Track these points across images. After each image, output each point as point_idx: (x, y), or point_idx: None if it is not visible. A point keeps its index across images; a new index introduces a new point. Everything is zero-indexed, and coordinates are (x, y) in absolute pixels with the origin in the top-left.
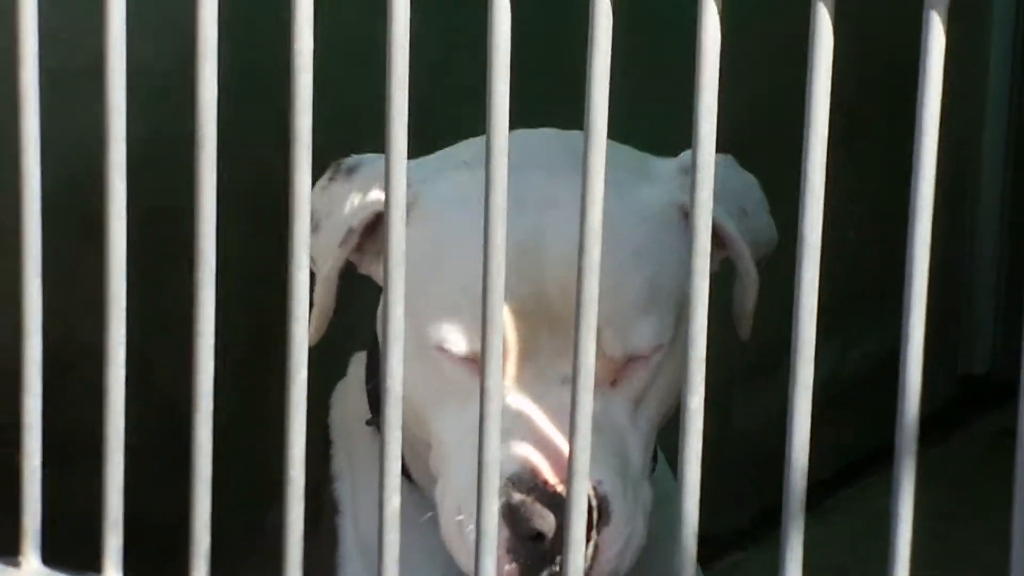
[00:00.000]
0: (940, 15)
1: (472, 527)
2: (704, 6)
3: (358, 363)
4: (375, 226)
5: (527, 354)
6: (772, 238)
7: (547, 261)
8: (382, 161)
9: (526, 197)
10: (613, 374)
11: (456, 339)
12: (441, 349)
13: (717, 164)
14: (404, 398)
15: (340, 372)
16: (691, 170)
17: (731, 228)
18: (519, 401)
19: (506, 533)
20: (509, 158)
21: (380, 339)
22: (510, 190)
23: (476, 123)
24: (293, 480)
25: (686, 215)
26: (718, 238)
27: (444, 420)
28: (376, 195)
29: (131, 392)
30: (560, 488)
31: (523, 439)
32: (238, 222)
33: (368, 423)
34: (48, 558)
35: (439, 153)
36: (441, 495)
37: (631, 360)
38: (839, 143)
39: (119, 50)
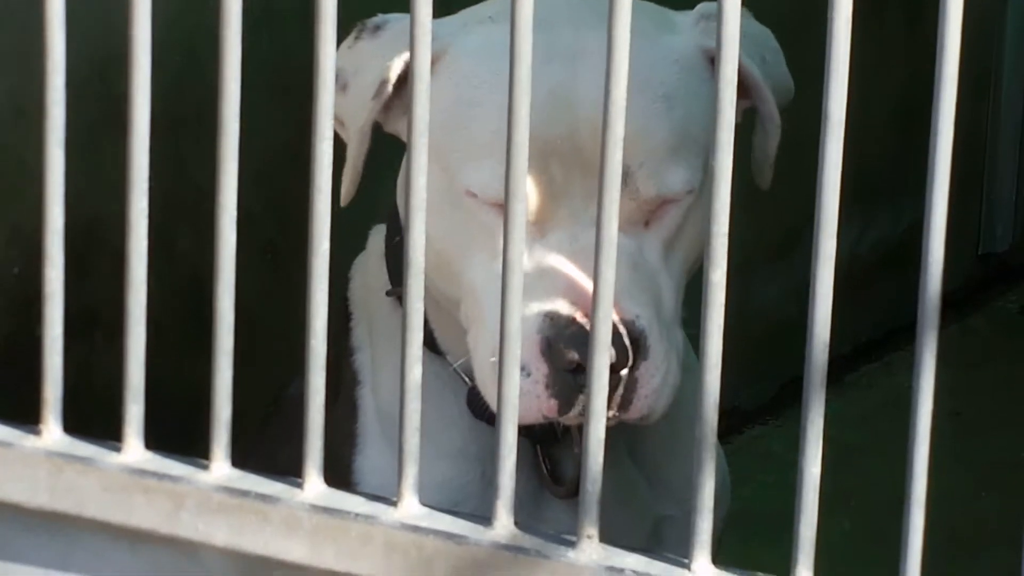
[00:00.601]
0: None
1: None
2: None
3: (377, 235)
4: (403, 82)
5: (561, 197)
6: (789, 88)
7: (579, 106)
8: (403, 21)
9: (555, 50)
10: (647, 215)
11: (487, 182)
12: (471, 194)
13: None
14: (433, 251)
15: (359, 246)
16: (717, 19)
17: (755, 73)
18: (554, 241)
19: (545, 369)
20: (535, 14)
21: (401, 208)
22: (539, 44)
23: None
24: (315, 350)
25: (711, 60)
26: (741, 86)
27: (475, 268)
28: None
29: (154, 266)
30: None
31: (559, 277)
32: (261, 95)
33: (388, 294)
34: (70, 428)
35: (462, 12)
36: (475, 342)
37: (664, 202)
38: (860, 26)
39: None
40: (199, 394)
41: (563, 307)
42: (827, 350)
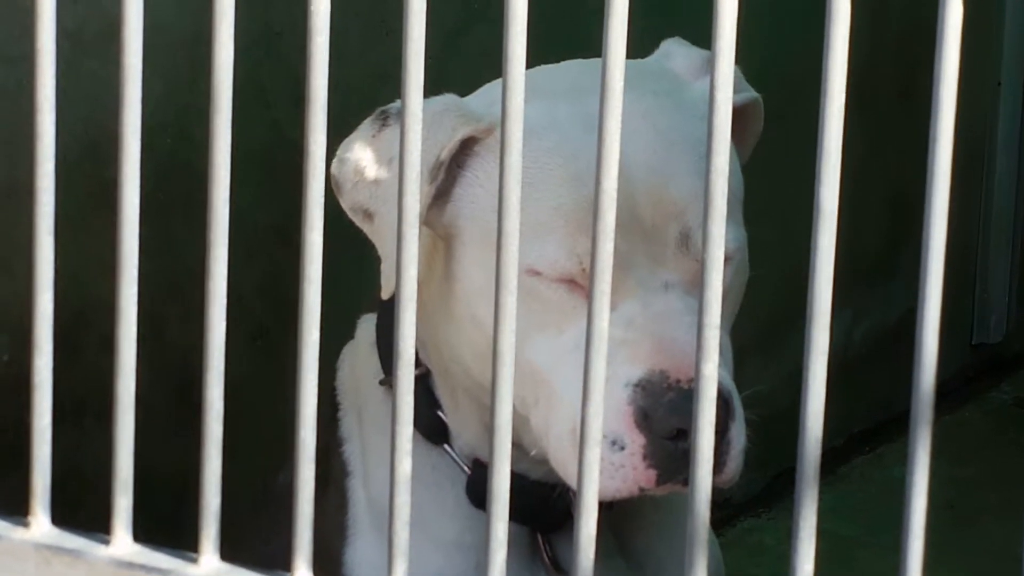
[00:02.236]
0: None
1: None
2: None
3: (367, 324)
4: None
5: (626, 265)
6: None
7: (633, 173)
8: (433, 102)
9: (591, 119)
10: None
11: (554, 259)
12: (534, 272)
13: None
14: (484, 335)
15: (345, 335)
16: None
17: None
18: (627, 311)
19: (642, 440)
20: (568, 86)
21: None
22: (574, 114)
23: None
24: (304, 441)
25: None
26: (743, 133)
27: (539, 345)
28: (459, 127)
29: (143, 349)
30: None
31: (641, 346)
32: (252, 183)
33: (381, 383)
34: (58, 512)
35: (485, 89)
36: (545, 421)
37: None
38: (851, 112)
39: (136, 11)
40: (188, 476)
41: (654, 375)
42: (819, 445)
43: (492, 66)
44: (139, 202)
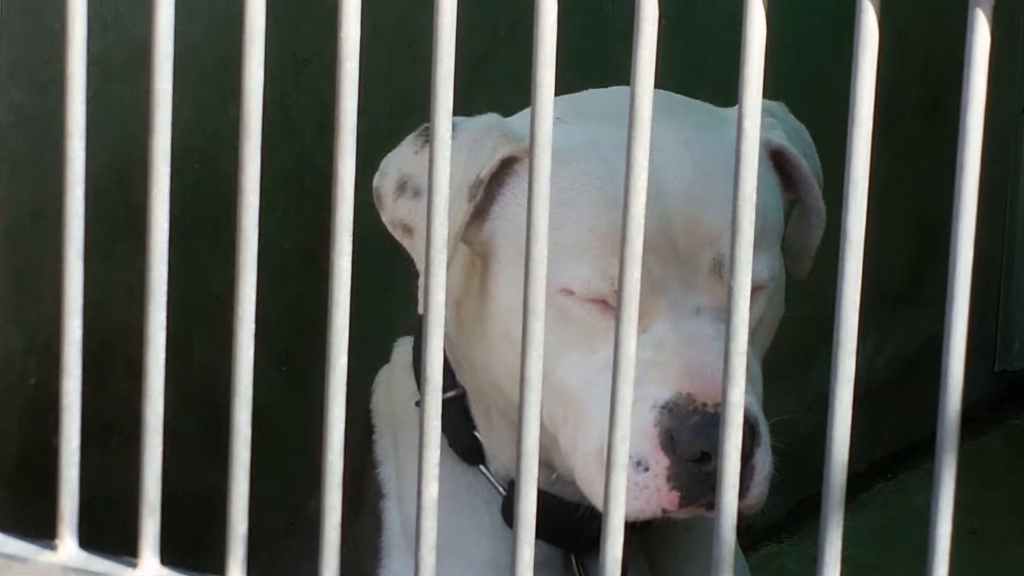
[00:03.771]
0: (986, 13)
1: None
2: (750, 8)
3: (403, 347)
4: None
5: (659, 288)
6: (821, 181)
7: (669, 199)
8: (477, 121)
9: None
10: None
11: (588, 279)
12: (567, 292)
13: (777, 109)
14: (516, 355)
15: (379, 359)
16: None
17: (804, 166)
18: (658, 333)
19: (666, 461)
20: (611, 111)
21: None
22: (611, 139)
23: (517, 112)
24: (332, 465)
25: (772, 153)
26: (789, 179)
27: (570, 366)
28: (500, 147)
29: (171, 376)
30: (720, 409)
31: (670, 368)
32: (278, 208)
33: (418, 404)
34: (85, 535)
35: (523, 113)
36: (573, 442)
37: (755, 290)
38: (876, 136)
39: (167, 37)
40: (215, 500)
41: (681, 398)
42: (845, 471)
43: (519, 90)
44: (168, 230)
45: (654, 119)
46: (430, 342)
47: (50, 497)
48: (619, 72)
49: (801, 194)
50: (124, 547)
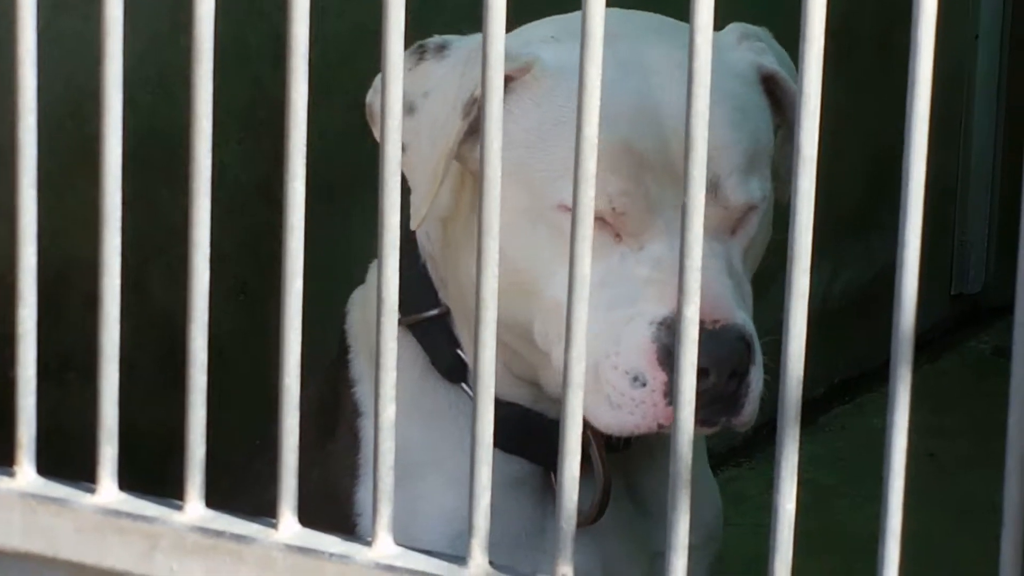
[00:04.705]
0: None
1: (607, 379)
2: None
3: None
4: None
5: (656, 207)
6: None
7: (667, 118)
8: (470, 39)
9: (626, 64)
10: (734, 224)
11: None
12: (564, 208)
13: (763, 35)
14: (510, 271)
15: (339, 289)
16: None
17: (794, 90)
18: (655, 252)
19: (663, 377)
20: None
21: (422, 239)
22: (607, 58)
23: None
24: (288, 389)
25: (763, 77)
26: (779, 103)
27: (562, 281)
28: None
29: (127, 307)
30: (718, 326)
31: (667, 286)
32: (233, 140)
33: (398, 323)
34: (44, 471)
35: (520, 31)
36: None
37: (748, 210)
38: (830, 65)
39: None
40: (173, 435)
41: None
42: (800, 386)
43: (473, 19)
44: (121, 158)
45: (637, 39)
46: (386, 263)
47: (8, 428)
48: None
49: (789, 118)
50: (84, 479)
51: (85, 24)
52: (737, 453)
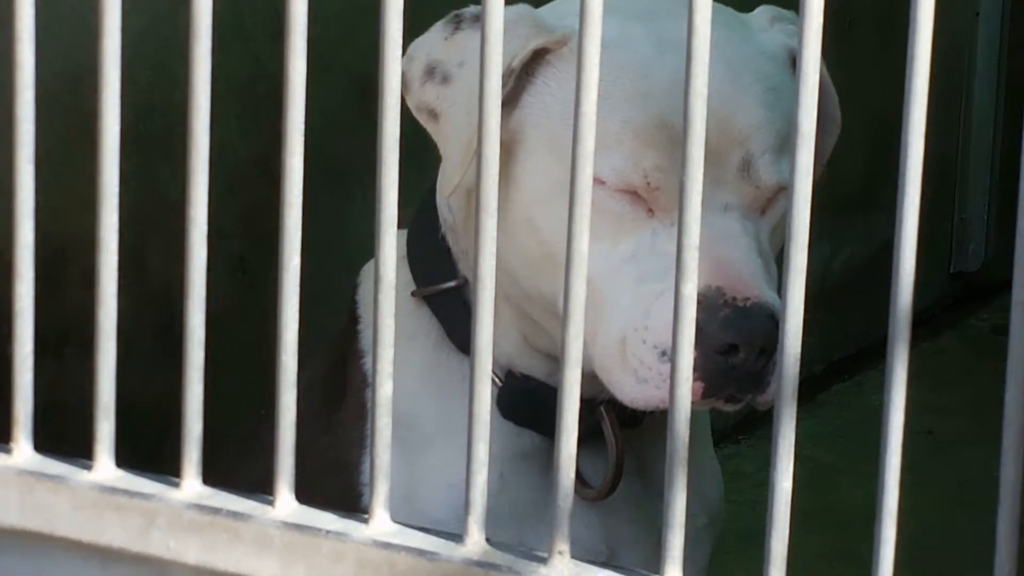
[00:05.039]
0: None
1: (635, 353)
2: None
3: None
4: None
5: None
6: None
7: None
8: (507, 10)
9: (664, 41)
10: (764, 204)
11: (620, 169)
12: (599, 182)
13: (794, 17)
14: (537, 242)
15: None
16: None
17: (825, 73)
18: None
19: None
20: (643, 8)
21: (442, 206)
22: (647, 34)
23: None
24: (286, 366)
25: (795, 60)
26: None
27: (595, 256)
28: (532, 38)
29: (125, 283)
30: (749, 303)
31: (700, 262)
32: (232, 116)
33: (413, 294)
34: (41, 446)
35: (553, 5)
36: (593, 332)
37: (779, 191)
38: (830, 43)
39: None
40: (171, 411)
41: (708, 291)
42: (798, 364)
43: None
44: (119, 134)
45: (681, 17)
46: (384, 241)
47: (5, 405)
48: None
49: (819, 101)
50: (81, 455)
51: (82, 1)
52: (736, 431)
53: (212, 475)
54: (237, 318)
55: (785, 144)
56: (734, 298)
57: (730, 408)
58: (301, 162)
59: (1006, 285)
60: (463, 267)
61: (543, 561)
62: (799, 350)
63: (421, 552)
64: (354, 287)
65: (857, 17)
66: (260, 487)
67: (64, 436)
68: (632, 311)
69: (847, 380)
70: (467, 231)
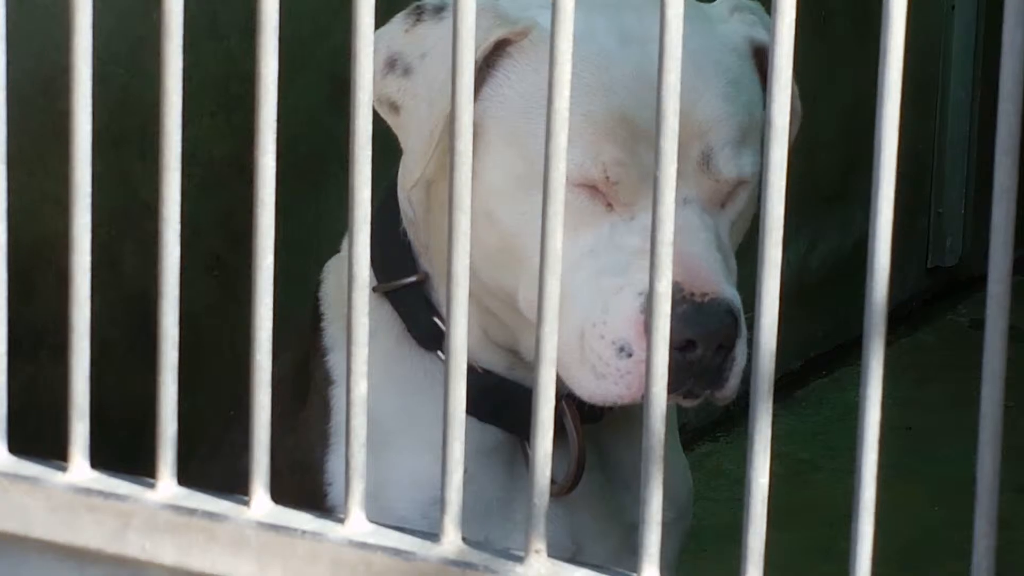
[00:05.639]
0: None
1: (592, 348)
2: None
3: None
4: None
5: (649, 179)
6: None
7: None
8: (469, 2)
9: (626, 34)
10: (724, 197)
11: (580, 163)
12: None
13: (756, 7)
14: (497, 236)
15: (310, 263)
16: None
17: None
18: (646, 221)
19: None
20: (596, 2)
21: (404, 203)
22: (609, 27)
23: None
24: (259, 364)
25: (756, 51)
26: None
27: None
28: (495, 29)
29: (100, 284)
30: (707, 299)
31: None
32: (206, 115)
33: (374, 290)
34: (16, 449)
35: (504, 0)
36: None
37: (739, 184)
38: (805, 38)
39: None
40: (146, 412)
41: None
42: (774, 359)
43: None
44: (92, 133)
45: (643, 11)
46: (356, 239)
47: None
48: None
49: None
50: (56, 457)
51: (54, 1)
52: (714, 428)
53: (184, 476)
54: (213, 316)
55: (745, 137)
56: (692, 293)
57: (688, 404)
58: (274, 160)
59: (984, 279)
60: (424, 262)
61: (519, 560)
62: (774, 346)
63: (397, 552)
64: (317, 284)
65: (831, 10)
66: (229, 488)
67: (39, 438)
68: (591, 306)
69: (825, 376)
70: (428, 224)
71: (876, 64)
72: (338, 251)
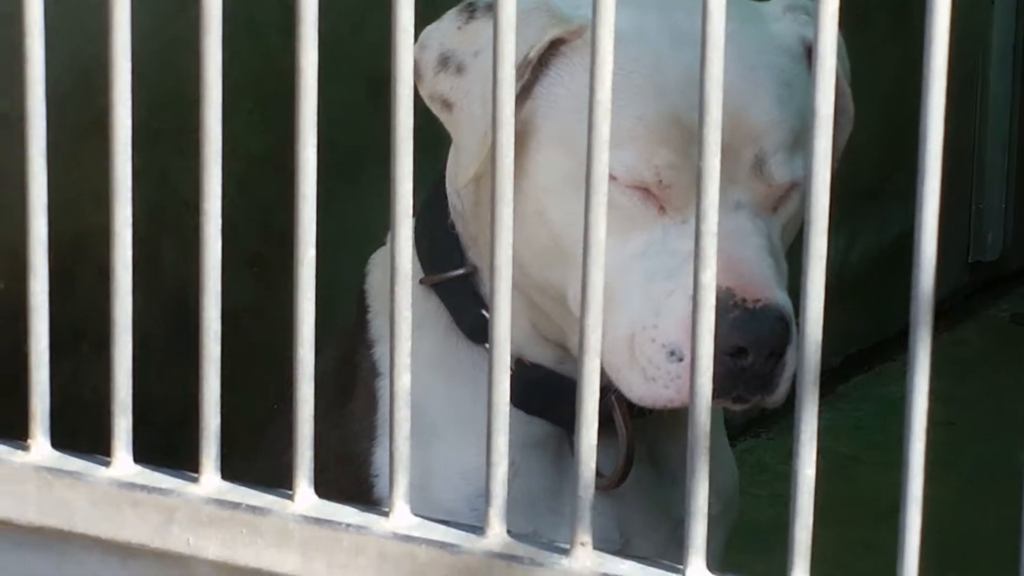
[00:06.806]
0: None
1: (643, 351)
2: None
3: None
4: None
5: None
6: (850, 81)
7: None
8: (524, 1)
9: (678, 34)
10: (776, 201)
11: (632, 165)
12: (610, 177)
13: (810, 7)
14: (548, 235)
15: (352, 260)
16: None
17: (839, 69)
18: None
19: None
20: (648, 1)
21: (452, 196)
22: (661, 27)
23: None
24: (302, 359)
25: (809, 51)
26: None
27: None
28: (549, 28)
29: (140, 279)
30: (759, 305)
31: None
32: (243, 112)
33: (422, 282)
34: (58, 442)
35: None
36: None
37: (791, 187)
38: (845, 31)
39: None
40: (187, 407)
41: (719, 292)
42: (819, 349)
43: None
44: (131, 128)
45: (694, 9)
46: (399, 232)
47: (22, 404)
48: None
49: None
50: (98, 452)
51: None
52: (756, 424)
53: (226, 471)
54: (252, 313)
55: (798, 141)
56: (744, 299)
57: (738, 408)
58: (315, 154)
59: None
60: (472, 254)
61: (565, 552)
62: (820, 336)
63: (442, 545)
64: (363, 277)
65: (872, 5)
66: (270, 483)
67: (81, 432)
68: (642, 309)
69: (866, 372)
70: (476, 218)
71: (914, 59)
72: (383, 243)
